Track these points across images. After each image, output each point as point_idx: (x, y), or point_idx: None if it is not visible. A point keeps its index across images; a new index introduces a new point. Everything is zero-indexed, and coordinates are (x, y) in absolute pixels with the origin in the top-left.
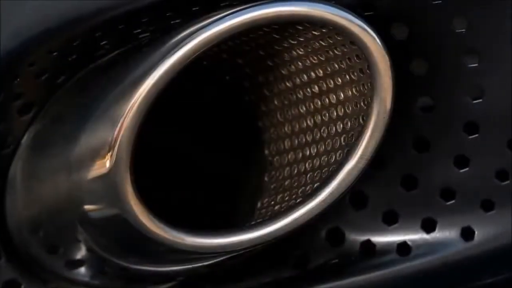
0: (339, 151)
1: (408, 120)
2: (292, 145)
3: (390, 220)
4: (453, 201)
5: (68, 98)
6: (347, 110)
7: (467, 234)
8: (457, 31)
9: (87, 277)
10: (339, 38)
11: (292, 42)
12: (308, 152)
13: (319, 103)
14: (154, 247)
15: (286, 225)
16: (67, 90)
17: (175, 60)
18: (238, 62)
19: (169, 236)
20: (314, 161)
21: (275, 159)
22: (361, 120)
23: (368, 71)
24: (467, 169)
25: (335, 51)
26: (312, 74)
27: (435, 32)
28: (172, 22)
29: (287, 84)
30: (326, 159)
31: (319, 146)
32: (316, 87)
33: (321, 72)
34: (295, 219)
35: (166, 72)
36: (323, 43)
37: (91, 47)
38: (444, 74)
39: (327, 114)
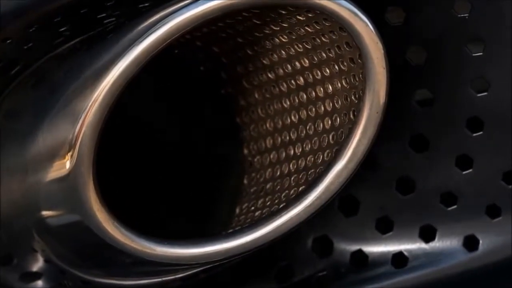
0: (327, 151)
1: (404, 116)
2: (274, 144)
3: (384, 228)
4: (454, 207)
5: (23, 91)
6: (336, 105)
7: (470, 243)
8: (459, 15)
9: None
10: (327, 24)
11: (275, 28)
12: (292, 152)
13: (305, 96)
14: (120, 258)
15: (268, 233)
16: (22, 82)
17: (143, 48)
18: (214, 50)
19: (137, 245)
20: (299, 161)
21: (255, 159)
22: (351, 115)
23: (359, 60)
24: (470, 170)
25: (322, 38)
26: (297, 64)
27: (434, 17)
28: (140, 6)
29: (269, 75)
30: (312, 159)
31: (304, 145)
32: (302, 79)
33: (307, 61)
34: (278, 227)
35: (133, 62)
36: (309, 30)
37: (49, 34)
38: (444, 64)
39: (313, 109)
